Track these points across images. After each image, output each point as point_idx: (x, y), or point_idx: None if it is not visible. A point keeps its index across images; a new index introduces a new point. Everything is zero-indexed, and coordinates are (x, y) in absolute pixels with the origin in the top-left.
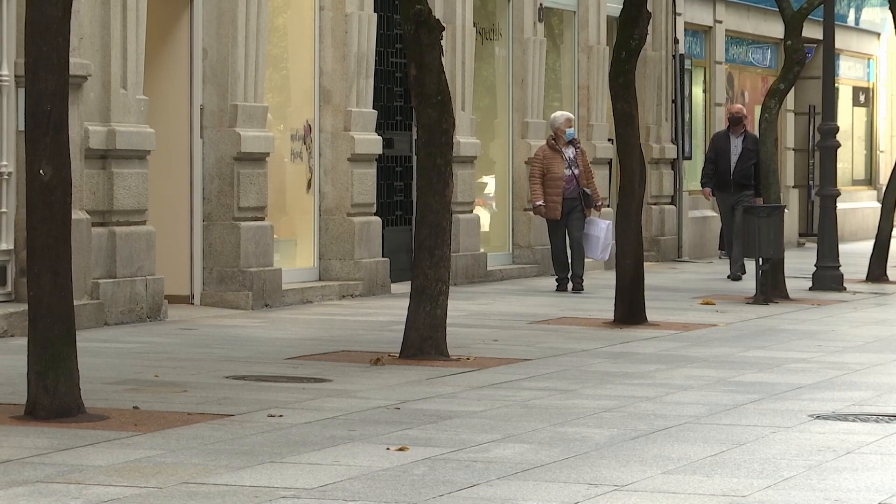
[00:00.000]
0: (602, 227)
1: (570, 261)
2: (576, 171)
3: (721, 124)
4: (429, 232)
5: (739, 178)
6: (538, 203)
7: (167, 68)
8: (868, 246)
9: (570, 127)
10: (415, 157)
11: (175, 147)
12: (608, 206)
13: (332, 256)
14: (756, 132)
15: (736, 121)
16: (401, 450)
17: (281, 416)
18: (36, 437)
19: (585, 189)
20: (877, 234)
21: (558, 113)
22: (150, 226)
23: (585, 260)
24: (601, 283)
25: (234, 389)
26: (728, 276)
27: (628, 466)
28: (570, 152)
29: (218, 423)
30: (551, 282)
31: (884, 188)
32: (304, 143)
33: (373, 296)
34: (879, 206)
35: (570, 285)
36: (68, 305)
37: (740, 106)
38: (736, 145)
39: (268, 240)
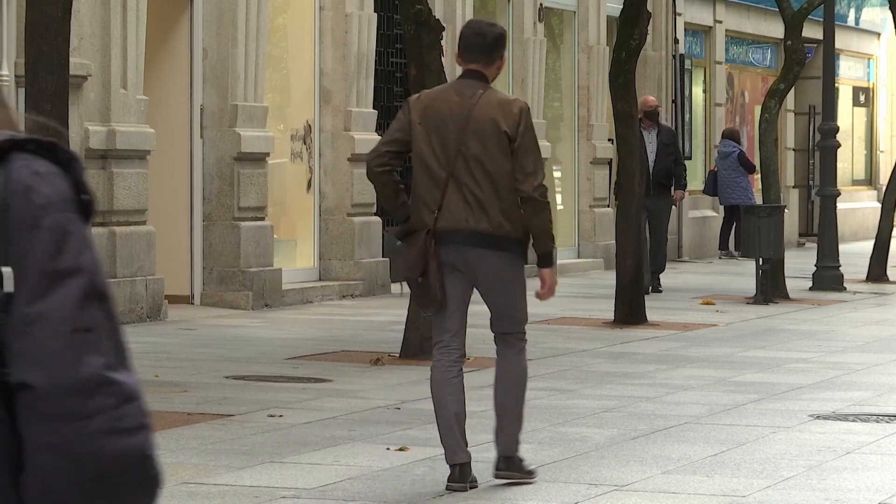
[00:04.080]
0: None
1: None
2: None
3: (721, 124)
4: None
5: (659, 177)
6: None
7: (167, 68)
8: (868, 246)
9: None
10: None
11: (175, 147)
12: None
13: (332, 256)
14: (756, 132)
15: (652, 115)
16: (401, 450)
17: (281, 416)
18: None
19: None
20: (877, 234)
21: None
22: (150, 226)
23: None
24: (601, 283)
25: (234, 389)
26: (650, 289)
27: (628, 466)
28: None
29: (218, 423)
30: None
31: (884, 188)
32: (304, 143)
33: (373, 296)
34: (879, 206)
35: None
36: None
37: (654, 98)
38: (651, 142)
39: (268, 240)
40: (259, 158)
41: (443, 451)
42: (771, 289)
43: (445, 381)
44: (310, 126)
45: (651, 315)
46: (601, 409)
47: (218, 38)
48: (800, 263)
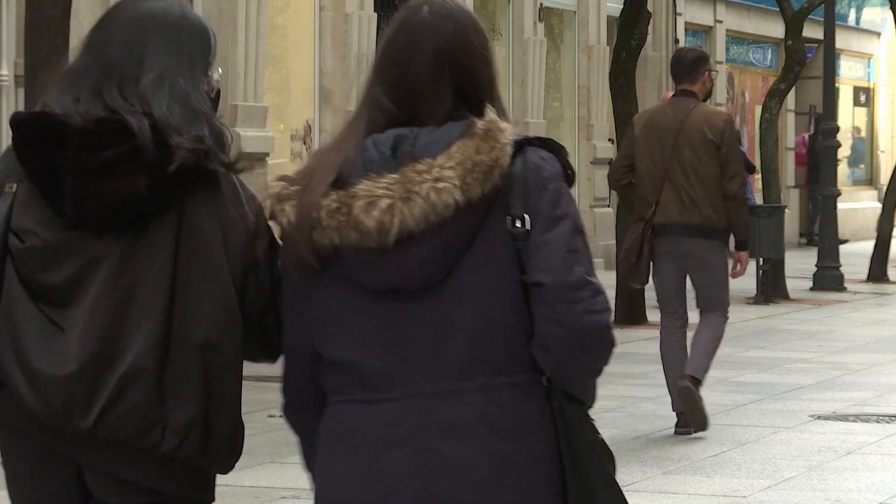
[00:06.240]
0: None
1: None
2: None
3: None
4: None
5: None
6: None
7: None
8: (868, 246)
9: None
10: None
11: None
12: None
13: None
14: (756, 132)
15: None
16: None
17: (281, 416)
18: None
19: None
20: (877, 234)
21: None
22: None
23: None
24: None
25: None
26: None
27: (628, 466)
28: None
29: None
30: None
31: (884, 188)
32: (304, 143)
33: None
34: (880, 206)
35: None
36: None
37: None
38: None
39: None
40: (259, 158)
41: None
42: (771, 289)
43: (672, 342)
44: (310, 126)
45: (651, 315)
46: (601, 409)
47: (218, 37)
48: (800, 263)
